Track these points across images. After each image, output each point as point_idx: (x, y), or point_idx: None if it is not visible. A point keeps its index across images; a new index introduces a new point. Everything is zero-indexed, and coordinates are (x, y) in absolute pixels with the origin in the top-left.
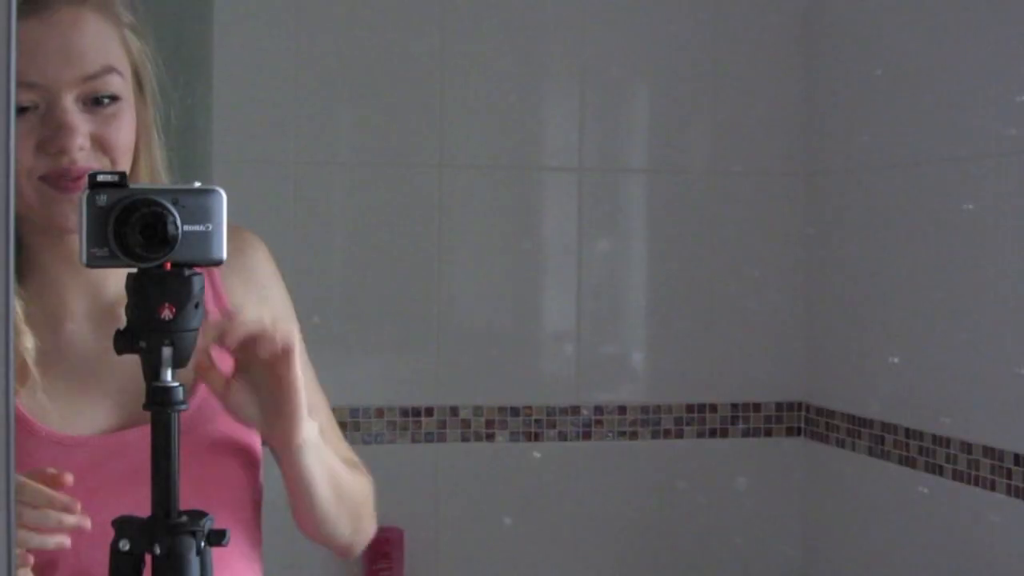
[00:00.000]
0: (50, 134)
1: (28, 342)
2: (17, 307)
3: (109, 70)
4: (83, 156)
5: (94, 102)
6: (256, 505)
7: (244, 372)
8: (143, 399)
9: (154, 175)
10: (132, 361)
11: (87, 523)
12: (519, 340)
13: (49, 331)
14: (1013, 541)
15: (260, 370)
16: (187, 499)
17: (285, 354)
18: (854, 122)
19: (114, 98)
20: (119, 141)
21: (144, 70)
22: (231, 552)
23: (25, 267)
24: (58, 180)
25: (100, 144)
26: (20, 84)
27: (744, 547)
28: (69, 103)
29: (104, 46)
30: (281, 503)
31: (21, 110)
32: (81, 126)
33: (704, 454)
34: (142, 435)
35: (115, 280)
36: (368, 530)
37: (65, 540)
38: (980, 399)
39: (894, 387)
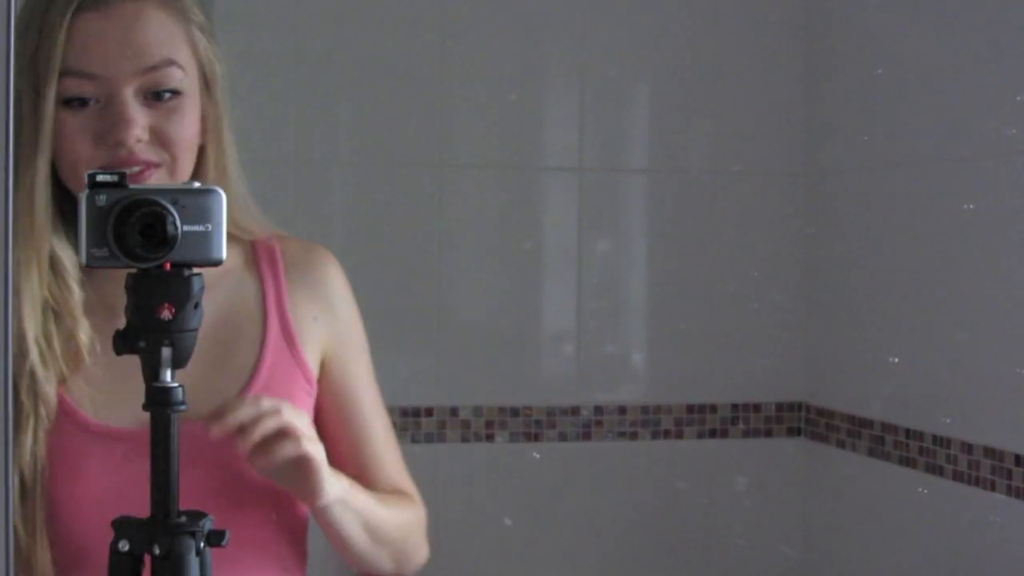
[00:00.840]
0: (108, 126)
1: (84, 333)
2: (78, 295)
3: (169, 63)
4: (141, 148)
5: (154, 96)
6: (303, 518)
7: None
8: (192, 395)
9: (222, 175)
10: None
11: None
12: (519, 340)
13: (104, 322)
14: (1013, 542)
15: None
16: (226, 505)
17: (292, 438)
18: (855, 122)
19: (175, 92)
20: (178, 135)
21: (211, 68)
22: (273, 562)
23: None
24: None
25: (158, 137)
26: (80, 75)
27: (744, 547)
28: (128, 96)
29: (165, 40)
30: None
31: (81, 102)
32: (139, 118)
33: (704, 454)
34: (182, 431)
35: None
36: (416, 558)
37: None
38: (981, 399)
39: (894, 387)
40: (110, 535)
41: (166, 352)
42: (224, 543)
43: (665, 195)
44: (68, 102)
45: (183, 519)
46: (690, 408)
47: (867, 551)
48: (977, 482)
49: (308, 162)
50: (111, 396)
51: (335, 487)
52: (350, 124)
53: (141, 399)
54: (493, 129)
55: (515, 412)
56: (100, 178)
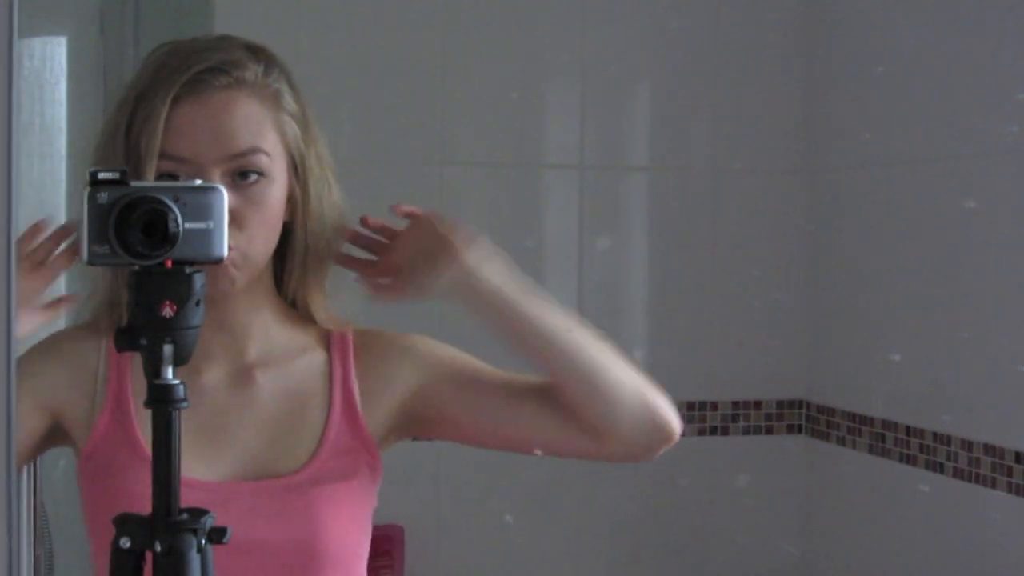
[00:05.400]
0: None
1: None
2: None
3: (255, 151)
4: None
5: (241, 176)
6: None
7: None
8: (264, 455)
9: (308, 256)
10: (258, 419)
11: None
12: None
13: (188, 380)
14: (1014, 539)
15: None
16: (296, 559)
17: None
18: (855, 119)
19: (260, 174)
20: (254, 217)
21: (300, 154)
22: None
23: None
24: None
25: (235, 217)
26: (173, 159)
27: (745, 544)
28: (215, 178)
29: (253, 128)
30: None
31: (171, 179)
32: None
33: (705, 452)
34: (256, 488)
35: (256, 342)
36: (666, 409)
37: None
38: (981, 397)
39: (895, 385)
40: None
41: (167, 349)
42: (225, 540)
43: (666, 192)
44: (160, 180)
45: (184, 516)
46: (691, 405)
47: (868, 548)
48: (977, 479)
49: None
50: (189, 450)
51: (481, 254)
52: (350, 123)
53: (218, 456)
54: (494, 127)
55: None
56: (102, 176)
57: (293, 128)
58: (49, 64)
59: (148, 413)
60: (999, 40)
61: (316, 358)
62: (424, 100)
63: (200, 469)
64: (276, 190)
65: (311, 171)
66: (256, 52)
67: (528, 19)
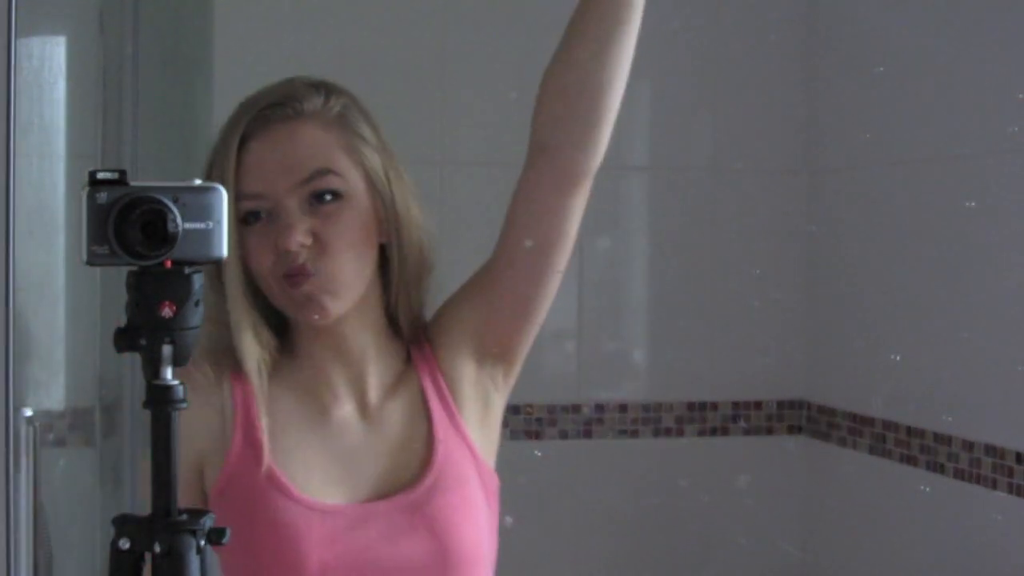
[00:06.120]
0: (276, 235)
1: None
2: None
3: (324, 172)
4: (305, 253)
5: (317, 199)
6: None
7: None
8: (390, 473)
9: (405, 274)
10: (381, 441)
11: None
12: None
13: (319, 414)
14: (1014, 539)
15: None
16: (433, 567)
17: None
18: (856, 119)
19: (336, 195)
20: (336, 237)
21: (378, 176)
22: None
23: (298, 356)
24: (289, 277)
25: (319, 240)
26: (249, 196)
27: (745, 545)
28: (291, 206)
29: (320, 152)
30: None
31: (255, 216)
32: (299, 224)
33: (705, 452)
34: (389, 505)
35: (373, 368)
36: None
37: None
38: (982, 397)
39: (895, 385)
40: None
41: (167, 350)
42: (224, 540)
43: (666, 193)
44: (245, 219)
45: (183, 517)
46: (691, 406)
47: (868, 549)
48: (978, 480)
49: None
50: (325, 477)
51: None
52: None
53: (351, 481)
54: (495, 126)
55: (516, 410)
56: (100, 175)
57: (367, 149)
58: (48, 64)
59: (280, 443)
60: (999, 40)
61: (411, 370)
62: (424, 100)
63: (337, 495)
64: (357, 210)
65: (395, 190)
66: (318, 85)
67: (528, 18)
